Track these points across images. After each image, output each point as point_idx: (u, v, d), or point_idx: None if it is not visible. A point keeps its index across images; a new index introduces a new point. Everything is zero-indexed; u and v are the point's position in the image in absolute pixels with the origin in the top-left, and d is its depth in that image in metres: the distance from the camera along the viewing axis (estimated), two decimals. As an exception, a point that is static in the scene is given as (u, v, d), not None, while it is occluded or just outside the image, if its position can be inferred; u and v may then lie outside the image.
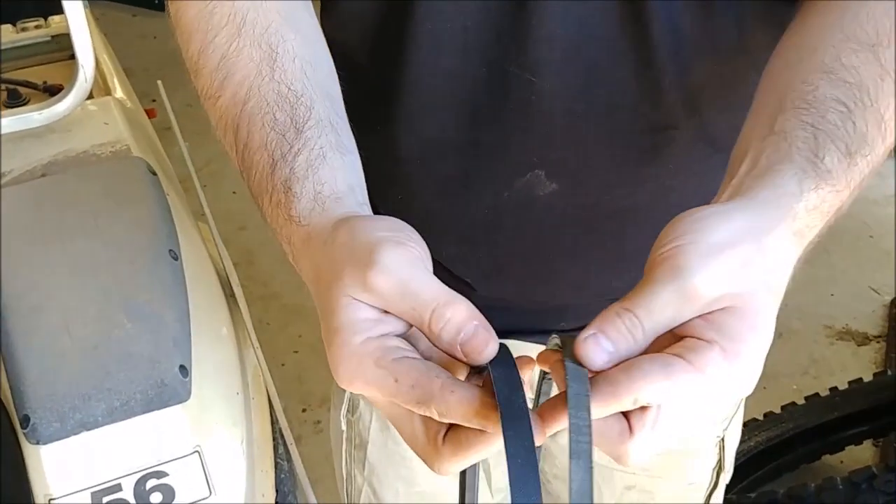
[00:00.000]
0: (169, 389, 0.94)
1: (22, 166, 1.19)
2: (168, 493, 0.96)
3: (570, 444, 0.39)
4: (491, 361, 0.43)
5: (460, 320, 0.43)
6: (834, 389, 1.83)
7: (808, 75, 0.50)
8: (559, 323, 0.82)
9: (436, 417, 0.43)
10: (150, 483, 0.95)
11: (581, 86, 0.63)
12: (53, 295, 0.99)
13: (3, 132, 1.20)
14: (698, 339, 0.42)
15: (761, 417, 1.81)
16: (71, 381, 0.91)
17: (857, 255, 2.52)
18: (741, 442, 1.76)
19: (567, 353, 0.46)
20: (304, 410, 2.08)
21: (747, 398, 1.82)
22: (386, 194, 0.66)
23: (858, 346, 2.27)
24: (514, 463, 0.39)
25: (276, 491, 1.13)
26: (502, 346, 0.43)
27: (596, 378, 0.43)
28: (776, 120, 0.49)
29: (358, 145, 0.57)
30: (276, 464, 1.15)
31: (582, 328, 0.83)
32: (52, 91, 1.35)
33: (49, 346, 0.94)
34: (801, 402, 1.82)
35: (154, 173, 1.19)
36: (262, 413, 1.16)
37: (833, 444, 1.82)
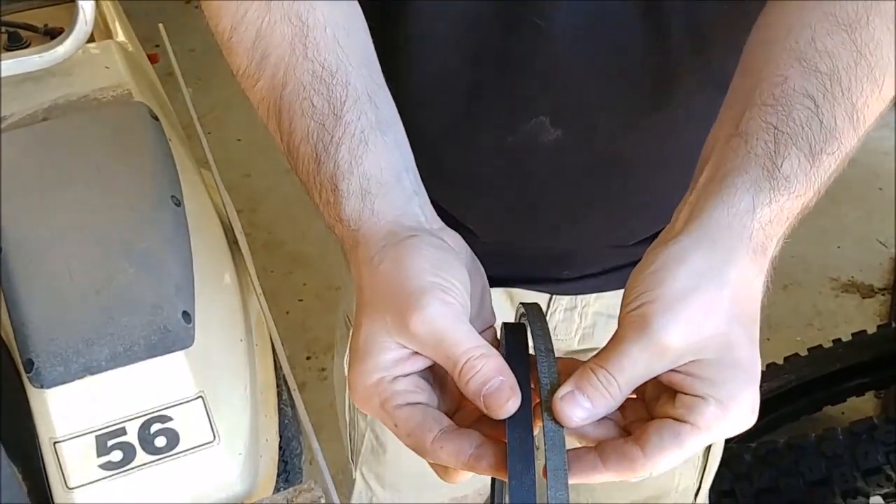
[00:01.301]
0: (172, 335, 0.94)
1: (22, 110, 1.18)
2: (172, 438, 0.97)
3: None
4: (509, 419, 0.45)
5: (488, 373, 0.45)
6: (837, 341, 1.83)
7: (781, 62, 0.49)
8: (562, 271, 0.82)
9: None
10: (155, 427, 0.96)
11: (587, 29, 0.62)
12: (55, 240, 0.99)
13: (4, 75, 1.19)
14: (693, 396, 0.45)
15: (764, 368, 1.81)
16: (74, 325, 0.91)
17: (864, 207, 2.50)
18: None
19: (531, 320, 0.49)
20: (308, 358, 2.10)
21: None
22: None
23: (863, 298, 2.26)
24: None
25: (280, 436, 1.14)
26: (523, 403, 0.46)
27: (605, 448, 0.46)
28: (743, 116, 0.49)
29: None
30: (280, 410, 1.16)
31: (585, 277, 0.83)
32: (53, 34, 1.33)
33: (51, 290, 0.94)
34: (803, 353, 1.82)
35: (156, 118, 1.18)
36: (266, 360, 1.16)
37: (835, 396, 1.82)
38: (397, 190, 0.52)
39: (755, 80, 0.50)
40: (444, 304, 0.46)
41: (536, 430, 0.46)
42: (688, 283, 0.45)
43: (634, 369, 0.45)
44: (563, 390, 0.46)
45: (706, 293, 0.45)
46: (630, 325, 0.45)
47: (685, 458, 0.46)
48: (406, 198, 0.52)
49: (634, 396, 0.48)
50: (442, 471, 0.48)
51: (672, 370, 0.45)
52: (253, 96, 0.56)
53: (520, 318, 0.53)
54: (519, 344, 0.49)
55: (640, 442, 0.45)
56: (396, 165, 0.53)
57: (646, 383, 0.46)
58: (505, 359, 0.47)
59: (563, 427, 0.45)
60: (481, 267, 0.54)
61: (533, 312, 0.51)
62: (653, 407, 0.48)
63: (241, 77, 0.57)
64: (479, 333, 0.51)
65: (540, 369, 0.47)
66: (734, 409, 0.44)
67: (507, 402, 0.45)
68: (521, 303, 0.54)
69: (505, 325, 0.51)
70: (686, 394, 0.45)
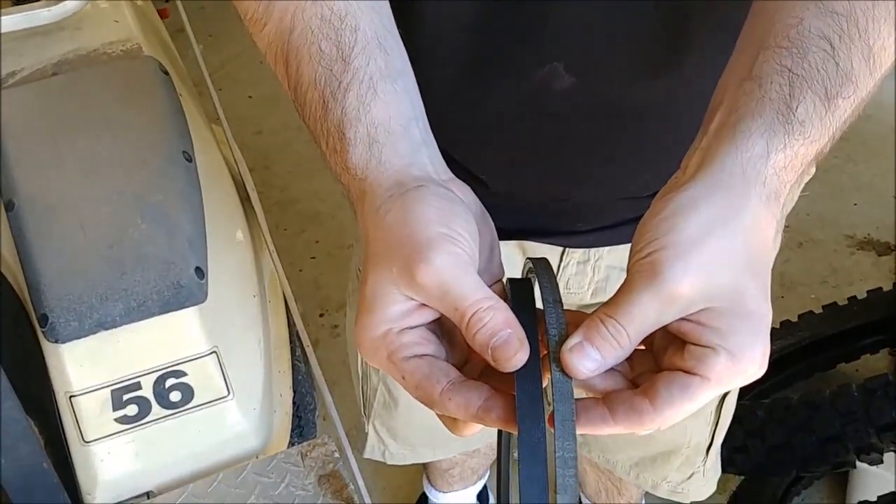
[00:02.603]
0: (185, 291, 0.94)
1: (32, 65, 1.17)
2: (187, 393, 0.97)
3: (556, 476, 0.42)
4: (518, 371, 0.44)
5: (496, 326, 0.45)
6: (852, 299, 1.82)
7: (796, 3, 0.48)
8: (575, 224, 0.81)
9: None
10: (169, 382, 0.96)
11: None
12: (67, 195, 0.98)
13: (12, 29, 1.18)
14: (703, 346, 0.44)
15: (777, 326, 1.81)
16: (87, 281, 0.92)
17: (881, 164, 2.47)
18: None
19: (540, 274, 0.48)
20: (321, 315, 2.10)
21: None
22: None
23: (879, 255, 2.25)
24: (526, 469, 0.42)
25: (294, 392, 1.15)
26: (532, 355, 0.45)
27: (614, 400, 0.45)
28: (756, 59, 0.48)
29: None
30: (294, 366, 1.16)
31: (598, 229, 0.82)
32: (62, -12, 1.32)
33: (64, 245, 0.94)
34: (818, 311, 1.81)
35: (166, 73, 1.17)
36: (279, 316, 1.17)
37: (849, 353, 1.82)
38: (406, 139, 0.51)
39: (768, 23, 0.49)
40: (452, 255, 0.45)
41: (545, 383, 0.45)
42: (700, 230, 0.44)
43: (645, 318, 0.44)
44: (572, 341, 0.45)
45: (719, 240, 0.44)
46: (640, 272, 0.44)
47: (694, 411, 0.45)
48: (414, 147, 0.51)
49: (643, 347, 0.47)
50: (451, 423, 0.48)
51: (682, 319, 0.44)
52: (260, 41, 0.55)
53: (526, 274, 0.52)
54: (525, 297, 0.48)
55: (648, 395, 0.44)
56: (406, 113, 0.52)
57: (654, 333, 0.46)
58: (513, 312, 0.46)
59: (571, 378, 0.45)
60: (491, 220, 0.53)
61: (541, 266, 0.50)
62: (661, 358, 0.47)
63: (249, 22, 0.56)
64: (489, 287, 0.51)
65: (548, 320, 0.47)
66: (744, 361, 0.43)
67: (516, 355, 0.44)
68: (527, 258, 0.53)
69: (510, 280, 0.51)
70: (695, 344, 0.44)
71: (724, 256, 0.44)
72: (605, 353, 0.45)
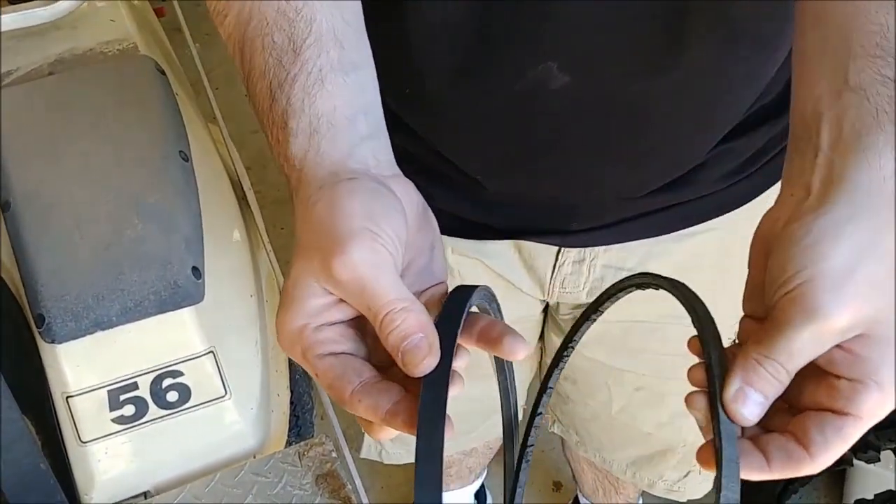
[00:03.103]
0: (182, 290, 0.94)
1: (28, 64, 1.17)
2: (184, 393, 0.97)
3: None
4: (425, 377, 0.44)
5: (408, 329, 0.44)
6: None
7: (871, 9, 0.46)
8: (571, 223, 0.81)
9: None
10: (166, 382, 0.96)
11: None
12: (63, 194, 0.98)
13: (8, 29, 1.18)
14: (849, 380, 0.42)
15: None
16: (84, 280, 0.91)
17: None
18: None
19: (705, 338, 0.45)
20: (319, 314, 2.10)
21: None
22: (396, 84, 0.64)
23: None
24: (420, 469, 0.41)
25: (291, 392, 1.14)
26: (442, 361, 0.44)
27: (767, 445, 0.43)
28: (848, 69, 0.46)
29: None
30: (291, 365, 1.16)
31: (593, 229, 0.82)
32: (58, -13, 1.32)
33: (61, 245, 0.94)
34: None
35: (162, 72, 1.16)
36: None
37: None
38: (348, 131, 0.50)
39: (844, 32, 0.47)
40: (371, 251, 0.44)
41: (454, 392, 0.44)
42: (851, 257, 0.42)
43: (803, 354, 0.42)
44: (733, 387, 0.43)
45: (869, 267, 0.42)
46: (794, 307, 0.42)
47: (843, 451, 0.43)
48: (356, 140, 0.50)
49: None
50: (366, 424, 0.47)
51: (834, 347, 0.42)
52: (223, 33, 0.55)
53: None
54: (456, 304, 0.47)
55: (803, 441, 0.42)
56: (353, 107, 0.51)
57: None
58: (439, 316, 0.45)
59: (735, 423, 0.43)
60: (434, 220, 0.53)
61: (704, 321, 0.46)
62: (796, 393, 0.45)
63: (213, 14, 0.56)
64: (427, 288, 0.50)
65: (712, 361, 0.44)
66: (891, 389, 0.42)
67: (424, 361, 0.43)
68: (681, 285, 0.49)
69: (457, 287, 0.49)
70: (842, 377, 0.42)
71: (875, 283, 0.42)
72: (768, 393, 0.43)
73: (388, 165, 0.52)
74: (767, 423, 0.44)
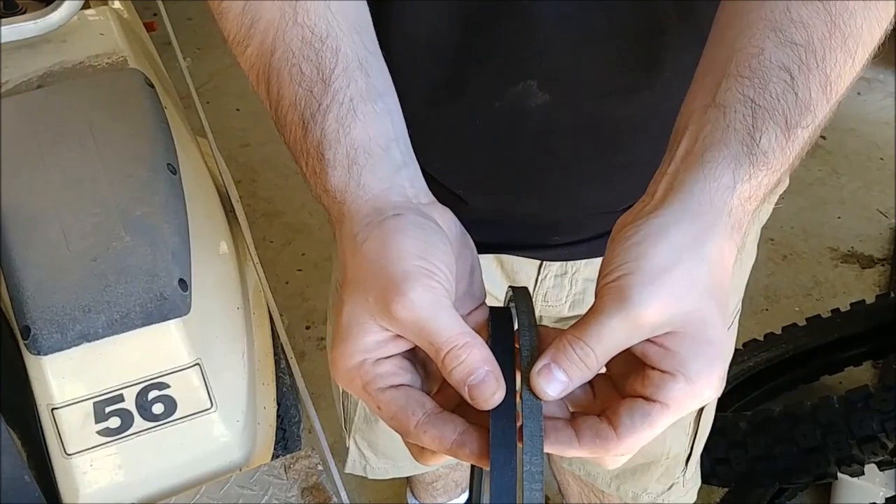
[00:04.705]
0: (168, 303, 0.95)
1: (18, 77, 1.18)
2: (170, 405, 0.97)
3: (523, 490, 0.43)
4: (493, 410, 0.45)
5: (473, 364, 0.45)
6: (836, 311, 1.83)
7: (757, 31, 0.49)
8: (552, 237, 0.82)
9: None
10: (152, 394, 0.96)
11: None
12: (50, 206, 0.98)
13: (-2, 42, 1.18)
14: (661, 371, 0.45)
15: (761, 338, 1.82)
16: (70, 292, 0.91)
17: (865, 177, 2.50)
18: (740, 362, 1.78)
19: (518, 300, 0.49)
20: (307, 328, 2.10)
21: (749, 319, 1.83)
22: None
23: (863, 268, 2.26)
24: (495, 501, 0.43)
25: (278, 404, 1.14)
26: (508, 395, 0.46)
27: (581, 425, 0.46)
28: (719, 87, 0.49)
29: None
30: (278, 378, 1.16)
31: (574, 243, 0.83)
32: (48, 0, 1.32)
33: (47, 257, 0.94)
34: (802, 323, 1.83)
35: (151, 86, 1.17)
36: (263, 328, 1.17)
37: (832, 365, 1.83)
38: (385, 161, 0.51)
39: (729, 51, 0.50)
40: (428, 289, 0.46)
41: (520, 422, 0.46)
42: (669, 258, 0.45)
43: (612, 341, 0.45)
44: (540, 363, 0.46)
45: (686, 268, 0.45)
46: (609, 296, 0.45)
47: (654, 437, 0.46)
48: (394, 169, 0.52)
49: (603, 371, 0.48)
50: (417, 451, 0.49)
51: (646, 341, 0.46)
52: (243, 63, 0.56)
53: (508, 302, 0.53)
54: (504, 330, 0.49)
55: (612, 422, 0.46)
56: (386, 135, 0.52)
57: (613, 357, 0.47)
58: (490, 347, 0.47)
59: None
60: (471, 242, 0.54)
61: (519, 294, 0.51)
62: (620, 383, 0.48)
63: (232, 43, 0.56)
64: (470, 312, 0.52)
65: (521, 343, 0.48)
66: (701, 385, 0.45)
67: (493, 395, 0.45)
68: (509, 286, 0.54)
69: (491, 309, 0.52)
70: (655, 368, 0.45)
71: (690, 284, 0.45)
72: (573, 374, 0.46)
73: (425, 192, 0.53)
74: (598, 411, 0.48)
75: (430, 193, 0.53)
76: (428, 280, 0.46)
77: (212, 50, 2.79)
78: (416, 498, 1.55)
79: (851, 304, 1.83)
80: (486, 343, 0.47)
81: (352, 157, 0.51)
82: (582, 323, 0.46)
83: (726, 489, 1.65)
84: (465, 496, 1.58)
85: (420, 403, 0.47)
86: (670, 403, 0.45)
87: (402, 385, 0.47)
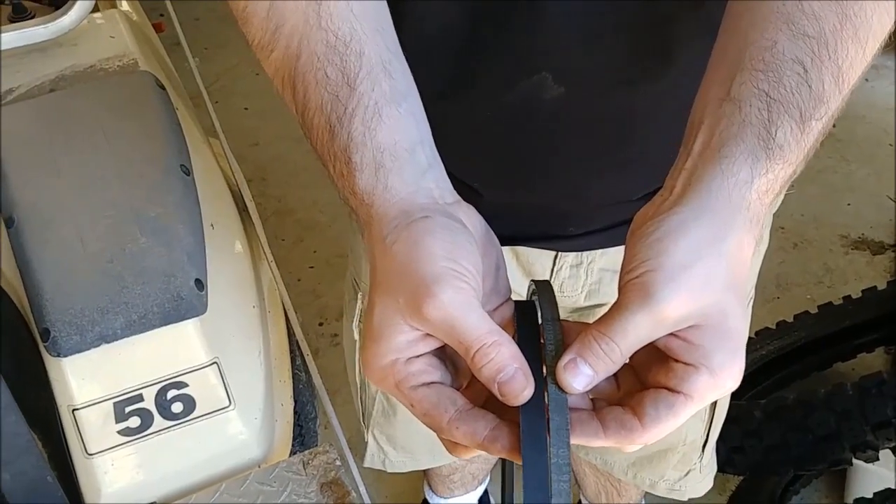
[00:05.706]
0: (185, 303, 0.95)
1: (30, 82, 1.18)
2: (189, 403, 0.98)
3: (551, 483, 0.44)
4: (523, 405, 0.46)
5: (502, 361, 0.46)
6: (847, 298, 1.83)
7: (769, 25, 0.49)
8: (567, 228, 0.82)
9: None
10: (171, 393, 0.97)
11: None
12: (66, 209, 0.99)
13: (9, 47, 1.19)
14: (684, 364, 0.46)
15: (773, 326, 1.82)
16: (88, 294, 0.92)
17: (874, 164, 2.49)
18: (752, 351, 1.78)
19: (541, 293, 0.50)
20: (320, 324, 2.11)
21: (761, 308, 1.82)
22: None
23: (874, 255, 2.26)
24: (530, 498, 0.44)
25: (295, 401, 1.15)
26: (537, 390, 0.47)
27: (606, 416, 0.47)
28: (734, 80, 0.49)
29: None
30: (294, 375, 1.17)
31: (589, 233, 0.84)
32: (58, 4, 1.33)
33: (64, 259, 0.95)
34: (814, 311, 1.82)
35: (162, 87, 1.18)
36: (279, 326, 1.18)
37: (845, 352, 1.83)
38: (411, 163, 0.52)
39: (742, 43, 0.50)
40: (457, 290, 0.47)
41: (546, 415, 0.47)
42: (690, 254, 0.46)
43: (636, 336, 0.46)
44: (566, 357, 0.47)
45: (707, 263, 0.46)
46: (633, 292, 0.46)
47: (678, 426, 0.47)
48: (420, 172, 0.52)
49: (626, 361, 0.49)
50: (451, 446, 0.50)
51: (670, 335, 0.47)
52: (268, 67, 0.56)
53: (530, 296, 0.54)
54: (530, 325, 0.50)
55: (637, 412, 0.47)
56: (411, 137, 0.53)
57: (638, 349, 0.48)
58: (517, 342, 0.48)
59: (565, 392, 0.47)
60: (495, 238, 0.55)
61: (542, 287, 0.52)
62: (644, 374, 0.49)
63: (256, 48, 0.56)
64: (497, 307, 0.53)
65: (546, 337, 0.48)
66: (724, 377, 0.46)
67: (523, 392, 0.46)
68: (531, 280, 0.55)
69: (517, 303, 0.52)
70: (679, 361, 0.46)
71: (710, 279, 0.46)
72: (598, 368, 0.47)
73: (450, 192, 0.54)
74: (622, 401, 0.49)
75: (454, 192, 0.54)
76: (457, 281, 0.47)
77: (218, 50, 2.80)
78: (433, 491, 1.56)
79: (863, 291, 1.83)
80: (513, 338, 0.48)
81: (378, 160, 0.51)
82: (606, 318, 0.47)
83: (741, 477, 1.66)
84: (482, 488, 1.59)
85: (451, 400, 0.48)
86: (694, 395, 0.46)
87: (433, 383, 0.49)
